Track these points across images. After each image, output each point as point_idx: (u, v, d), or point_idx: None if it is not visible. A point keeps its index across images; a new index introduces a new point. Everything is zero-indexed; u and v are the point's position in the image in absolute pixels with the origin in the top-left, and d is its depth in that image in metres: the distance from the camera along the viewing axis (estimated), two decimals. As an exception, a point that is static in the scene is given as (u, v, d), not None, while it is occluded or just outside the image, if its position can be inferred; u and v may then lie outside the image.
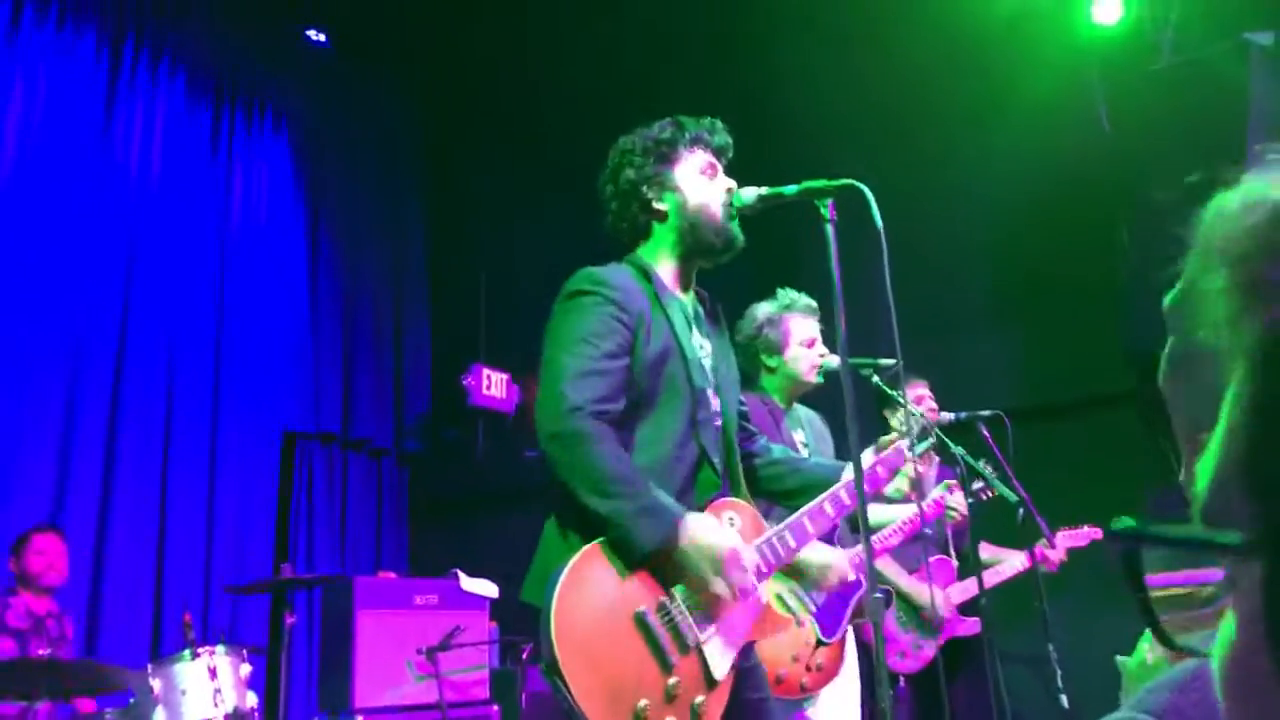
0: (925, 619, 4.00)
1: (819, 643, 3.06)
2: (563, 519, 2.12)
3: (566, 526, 2.10)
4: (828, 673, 3.09)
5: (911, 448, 2.49)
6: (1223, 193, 0.53)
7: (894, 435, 2.52)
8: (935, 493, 3.66)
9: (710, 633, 2.07)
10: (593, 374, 2.10)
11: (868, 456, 2.44)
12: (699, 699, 2.02)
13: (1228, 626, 0.50)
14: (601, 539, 2.02)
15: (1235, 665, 0.49)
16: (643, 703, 1.93)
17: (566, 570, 1.96)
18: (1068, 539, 4.23)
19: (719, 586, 2.03)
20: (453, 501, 7.52)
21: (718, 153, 2.40)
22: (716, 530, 2.08)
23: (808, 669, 3.03)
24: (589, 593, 1.97)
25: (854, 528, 3.48)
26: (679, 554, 2.01)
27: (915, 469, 2.45)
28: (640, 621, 1.99)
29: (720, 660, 2.06)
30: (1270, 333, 0.48)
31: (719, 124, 2.43)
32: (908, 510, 3.65)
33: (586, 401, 2.06)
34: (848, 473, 2.40)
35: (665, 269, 2.35)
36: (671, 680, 1.98)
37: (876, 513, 3.65)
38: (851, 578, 3.15)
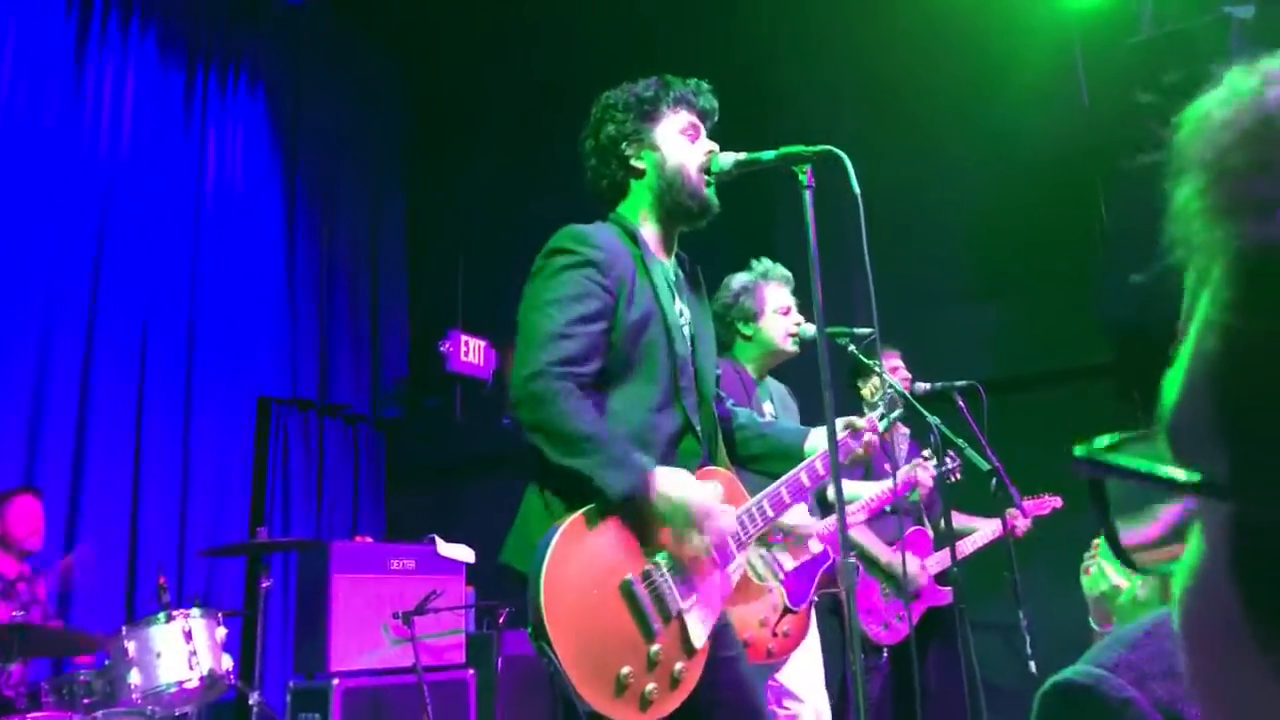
0: (905, 589, 4.07)
1: (786, 610, 3.09)
2: (543, 484, 2.12)
3: (546, 492, 2.11)
4: (794, 639, 3.13)
5: (881, 419, 2.50)
6: (1204, 95, 0.48)
7: (864, 418, 2.51)
8: (903, 472, 3.68)
9: (691, 601, 2.08)
10: (561, 337, 2.09)
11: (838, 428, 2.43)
12: (679, 666, 2.03)
13: (1190, 556, 0.48)
14: (589, 507, 2.02)
15: (1196, 597, 0.48)
16: (625, 669, 1.95)
17: (556, 537, 1.96)
18: (1031, 508, 4.28)
19: (695, 540, 2.05)
20: (430, 468, 7.52)
21: (702, 115, 2.38)
22: (689, 485, 2.08)
23: (774, 634, 3.07)
24: (577, 560, 1.98)
25: (821, 501, 3.54)
26: (652, 509, 2.02)
27: (880, 441, 2.46)
28: (626, 590, 2.00)
29: (699, 629, 2.08)
30: (1251, 252, 0.44)
31: (705, 86, 2.40)
32: (875, 488, 3.68)
33: (551, 364, 2.06)
34: (812, 438, 2.42)
35: (648, 230, 2.33)
36: (654, 648, 2.00)
37: (846, 488, 3.69)
38: (819, 548, 3.18)
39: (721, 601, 2.15)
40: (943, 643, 4.13)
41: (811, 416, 2.59)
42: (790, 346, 3.46)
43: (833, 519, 3.27)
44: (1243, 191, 0.44)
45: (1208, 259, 0.46)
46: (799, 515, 3.02)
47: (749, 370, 3.48)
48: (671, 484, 2.04)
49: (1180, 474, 0.45)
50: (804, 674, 3.34)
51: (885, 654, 4.07)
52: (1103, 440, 0.50)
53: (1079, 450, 0.49)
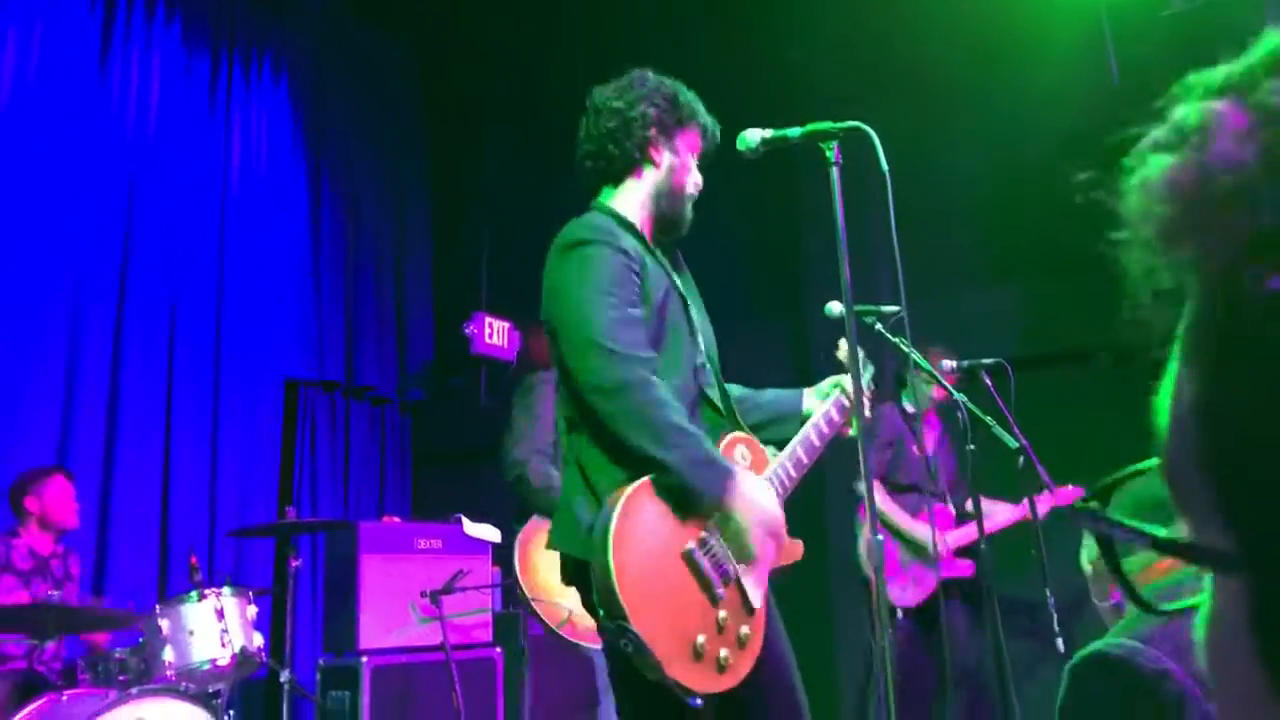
0: (917, 563, 4.11)
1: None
2: (585, 466, 2.13)
3: (589, 473, 2.12)
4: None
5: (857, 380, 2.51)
6: (1143, 151, 0.49)
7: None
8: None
9: (746, 564, 2.12)
10: (627, 322, 2.09)
11: (822, 398, 2.47)
12: (744, 629, 2.08)
13: (1207, 605, 0.48)
14: (642, 480, 2.03)
15: (1217, 644, 0.48)
16: (701, 638, 1.98)
17: (615, 518, 1.97)
18: (1051, 499, 4.22)
19: (762, 545, 2.08)
20: (455, 449, 7.56)
21: (706, 151, 2.45)
22: (768, 492, 2.13)
23: None
24: (638, 537, 2.00)
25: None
26: (734, 508, 2.04)
27: (865, 400, 2.47)
28: (689, 558, 2.03)
29: (755, 589, 2.12)
30: (1207, 308, 0.44)
31: (719, 131, 2.47)
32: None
33: (630, 348, 2.06)
34: (807, 399, 2.47)
35: (640, 220, 2.36)
36: (721, 614, 2.03)
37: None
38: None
39: (770, 561, 2.19)
40: (964, 607, 4.18)
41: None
42: None
43: None
44: (1198, 252, 0.44)
45: (1176, 320, 0.46)
46: None
47: None
48: (754, 489, 2.08)
49: (1184, 541, 0.45)
50: None
51: (901, 615, 4.11)
52: (1107, 480, 0.49)
53: (1079, 505, 0.49)
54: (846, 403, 2.42)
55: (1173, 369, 0.47)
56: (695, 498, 2.02)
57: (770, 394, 2.62)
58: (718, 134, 2.44)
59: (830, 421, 2.40)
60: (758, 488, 2.10)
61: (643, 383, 2.03)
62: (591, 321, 2.08)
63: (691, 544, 2.03)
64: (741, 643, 2.07)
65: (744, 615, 2.09)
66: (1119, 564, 0.51)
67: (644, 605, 1.94)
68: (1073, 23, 5.33)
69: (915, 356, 3.22)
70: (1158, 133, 0.48)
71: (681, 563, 2.02)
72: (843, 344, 2.46)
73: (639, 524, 2.01)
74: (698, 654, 1.97)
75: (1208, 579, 0.48)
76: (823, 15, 5.98)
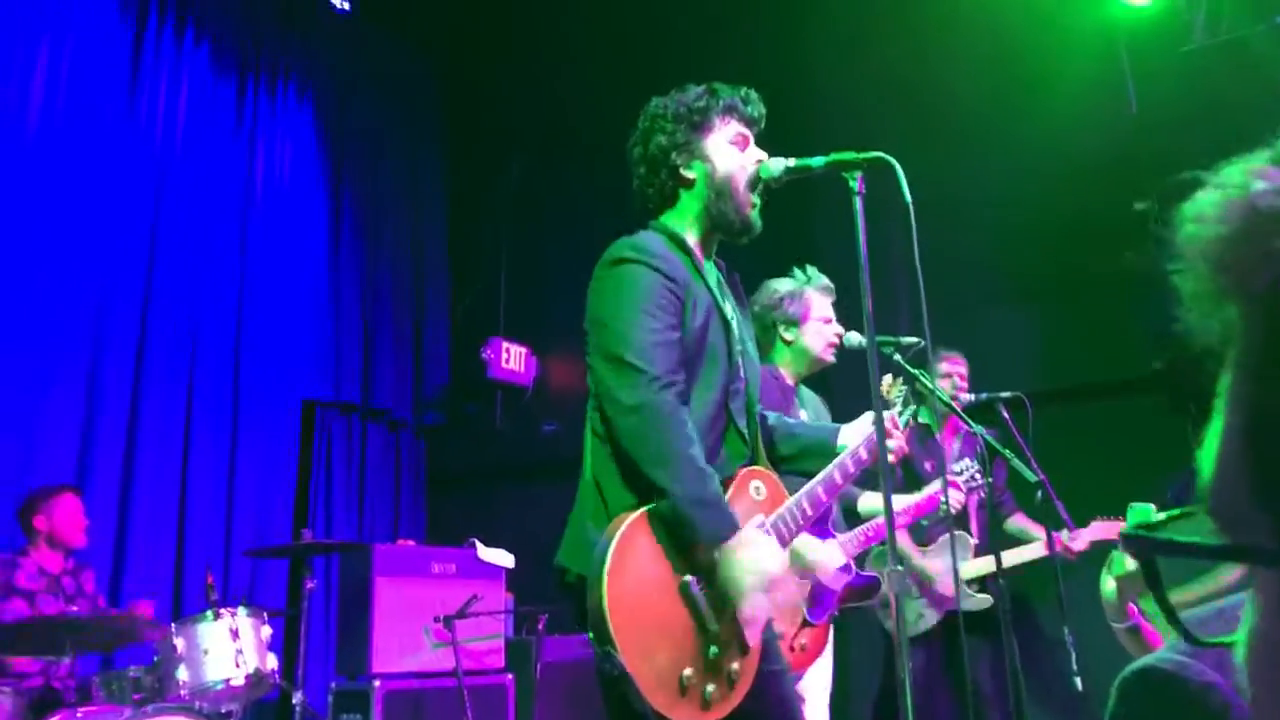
0: (927, 591, 4.05)
1: (804, 623, 3.08)
2: (602, 482, 2.11)
3: (605, 489, 2.10)
4: (811, 654, 3.11)
5: (900, 415, 2.50)
6: (1199, 195, 0.52)
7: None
8: (931, 488, 3.56)
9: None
10: (662, 345, 2.08)
11: (858, 434, 2.44)
12: (734, 666, 2.04)
13: (1250, 616, 0.50)
14: (648, 507, 2.02)
15: (1260, 653, 0.49)
16: (687, 671, 1.96)
17: (616, 540, 1.96)
18: (1097, 531, 4.05)
19: (749, 605, 2.00)
20: (471, 473, 7.57)
21: (750, 123, 2.37)
22: (769, 550, 2.07)
23: (791, 649, 3.06)
24: (637, 563, 1.98)
25: (847, 515, 3.51)
26: (725, 559, 2.00)
27: (900, 441, 2.44)
28: (685, 591, 2.00)
29: (750, 627, 2.07)
30: (1261, 329, 0.47)
31: (754, 94, 2.39)
32: (908, 499, 3.57)
33: (664, 374, 2.05)
34: (843, 435, 2.44)
35: (693, 238, 2.33)
36: (713, 650, 2.00)
37: (867, 502, 3.65)
38: (840, 562, 3.13)
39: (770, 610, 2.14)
40: (988, 651, 4.08)
41: (846, 423, 2.59)
42: (829, 356, 3.43)
43: (852, 535, 3.25)
44: (1244, 278, 0.48)
45: (1224, 341, 0.49)
46: (812, 546, 3.00)
47: (786, 376, 3.47)
48: (754, 545, 2.03)
49: (1228, 544, 0.49)
50: (811, 679, 3.34)
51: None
52: (1149, 518, 0.51)
53: (1128, 529, 0.51)
54: (862, 454, 2.39)
55: (1216, 421, 0.50)
56: (690, 536, 2.00)
57: (803, 426, 2.60)
58: (748, 102, 2.35)
59: (858, 460, 2.36)
60: (757, 545, 2.04)
61: (665, 407, 2.02)
62: (625, 339, 2.08)
63: (690, 577, 2.01)
64: (731, 681, 2.03)
65: (737, 653, 2.05)
66: (1164, 592, 0.53)
67: (633, 634, 1.92)
68: (1092, 57, 5.35)
69: (936, 388, 3.21)
70: (1209, 182, 0.52)
71: (676, 595, 2.00)
72: (886, 379, 2.46)
73: (638, 552, 1.99)
74: (683, 688, 1.94)
75: (1248, 604, 0.50)
76: (842, 52, 6.02)
